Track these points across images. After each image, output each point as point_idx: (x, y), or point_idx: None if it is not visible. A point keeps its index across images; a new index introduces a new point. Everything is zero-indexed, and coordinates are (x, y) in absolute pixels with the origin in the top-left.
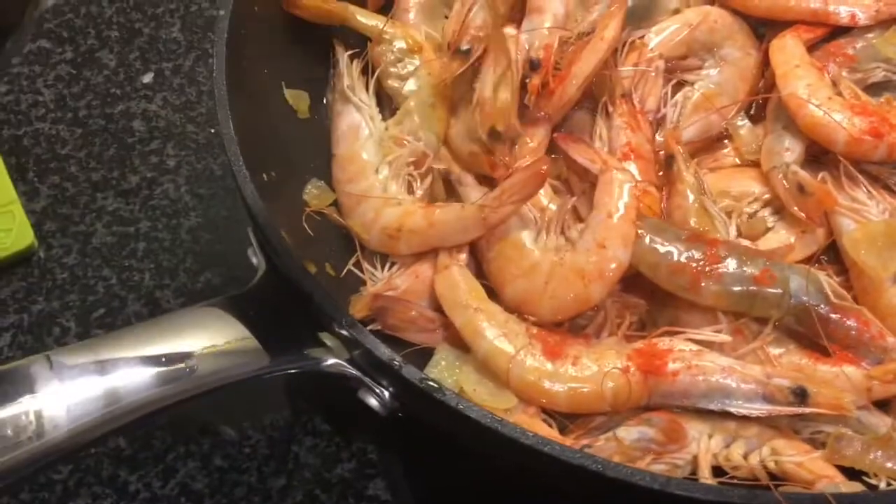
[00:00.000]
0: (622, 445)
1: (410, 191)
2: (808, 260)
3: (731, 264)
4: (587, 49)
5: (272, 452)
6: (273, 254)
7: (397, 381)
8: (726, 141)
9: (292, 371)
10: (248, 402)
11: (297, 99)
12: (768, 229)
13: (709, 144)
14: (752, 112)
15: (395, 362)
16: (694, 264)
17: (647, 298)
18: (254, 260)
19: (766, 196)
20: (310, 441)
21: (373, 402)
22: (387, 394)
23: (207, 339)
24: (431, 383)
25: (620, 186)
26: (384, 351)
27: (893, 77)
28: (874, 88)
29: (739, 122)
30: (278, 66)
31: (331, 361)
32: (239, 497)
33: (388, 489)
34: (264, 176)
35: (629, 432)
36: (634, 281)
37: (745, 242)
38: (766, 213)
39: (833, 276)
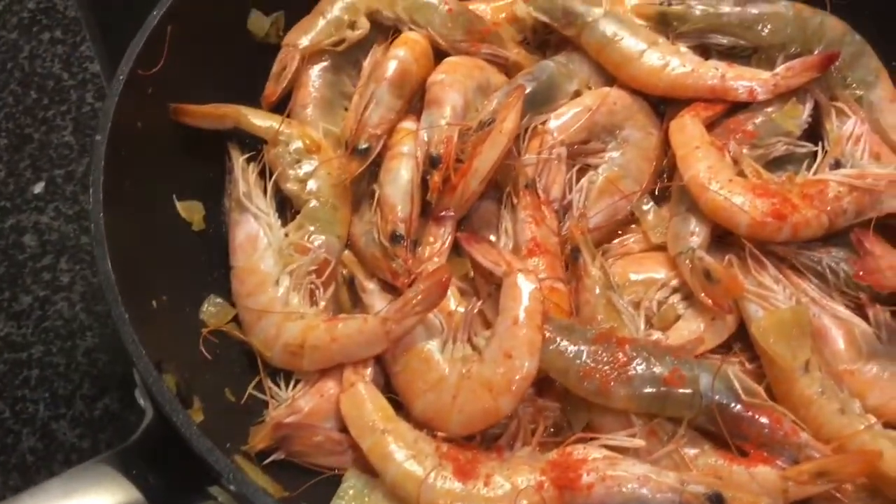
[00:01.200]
0: None
1: (314, 301)
2: (721, 347)
3: (639, 366)
4: (487, 142)
5: None
6: (157, 404)
7: None
8: (633, 225)
9: None
10: None
11: (191, 211)
12: (679, 317)
13: (617, 228)
14: (657, 192)
15: None
16: (603, 367)
17: (561, 400)
18: (141, 402)
19: (675, 282)
20: None
21: None
22: None
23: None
24: None
25: (525, 291)
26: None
27: (795, 150)
28: (776, 162)
29: (645, 206)
30: (168, 180)
31: None
32: None
33: None
34: (153, 303)
35: None
36: (548, 382)
37: (656, 334)
38: (676, 299)
39: (746, 364)
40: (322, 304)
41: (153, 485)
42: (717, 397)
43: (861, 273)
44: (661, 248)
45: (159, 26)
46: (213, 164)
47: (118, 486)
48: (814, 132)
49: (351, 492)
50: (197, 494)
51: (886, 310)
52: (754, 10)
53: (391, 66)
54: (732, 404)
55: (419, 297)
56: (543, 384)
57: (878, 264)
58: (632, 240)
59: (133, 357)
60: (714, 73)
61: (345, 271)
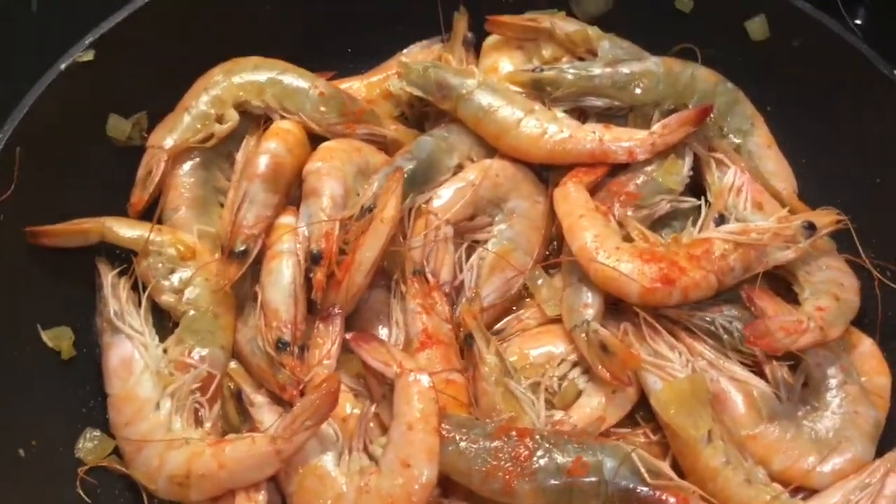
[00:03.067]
0: None
1: (199, 422)
2: (624, 418)
3: (542, 459)
4: (369, 232)
5: None
6: None
7: None
8: (528, 300)
9: None
10: None
11: (59, 338)
12: (580, 393)
13: (511, 304)
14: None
15: None
16: (505, 464)
17: (468, 499)
18: None
19: (574, 356)
20: None
21: None
22: None
23: None
24: None
25: (419, 392)
26: None
27: (679, 206)
28: (662, 219)
29: (538, 279)
30: (29, 308)
31: None
32: None
33: None
34: (21, 452)
35: None
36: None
37: (559, 414)
38: (576, 373)
39: (651, 435)
40: (208, 424)
41: None
42: (622, 482)
43: (751, 338)
44: (557, 320)
45: (6, 150)
46: (81, 284)
47: None
48: (696, 184)
49: None
50: None
51: (783, 365)
52: (625, 70)
53: (262, 161)
54: (638, 488)
55: (309, 411)
56: (449, 482)
57: (768, 327)
58: (527, 315)
59: None
60: (592, 136)
61: (231, 384)
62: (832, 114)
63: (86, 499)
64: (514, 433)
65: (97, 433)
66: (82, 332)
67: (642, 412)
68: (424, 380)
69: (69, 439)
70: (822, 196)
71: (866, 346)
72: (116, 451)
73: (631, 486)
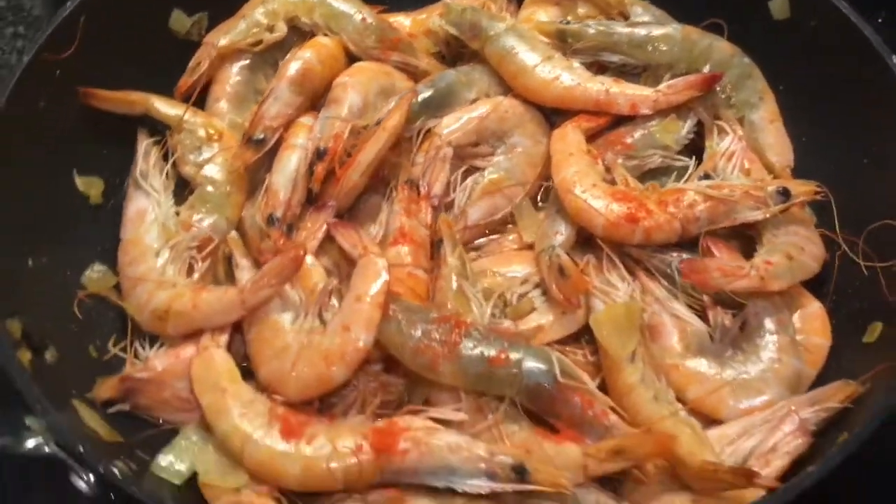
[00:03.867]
0: None
1: (190, 274)
2: (570, 339)
3: (470, 346)
4: (371, 139)
5: None
6: None
7: (85, 465)
8: (510, 226)
9: None
10: None
11: (89, 185)
12: (533, 310)
13: (496, 229)
14: (539, 198)
15: (80, 448)
16: (435, 345)
17: (406, 378)
18: None
19: (537, 279)
20: None
21: (81, 485)
22: (92, 478)
23: None
24: (114, 469)
25: (373, 272)
26: (69, 436)
27: (672, 163)
28: (653, 174)
29: (524, 210)
30: (70, 159)
31: (32, 443)
32: None
33: None
34: (29, 261)
35: None
36: (396, 361)
37: (507, 323)
38: (535, 293)
39: (589, 356)
40: (196, 275)
41: None
42: (536, 378)
43: (687, 272)
44: (531, 247)
45: (71, 16)
46: (122, 148)
47: None
48: (698, 149)
49: (183, 443)
50: (16, 425)
51: (729, 313)
52: (643, 31)
53: (293, 66)
54: (548, 384)
55: (274, 271)
56: (391, 362)
57: (706, 265)
58: (510, 238)
59: None
60: (599, 87)
61: (227, 250)
62: (837, 95)
63: (78, 315)
64: (452, 322)
65: (103, 268)
66: (113, 189)
67: (587, 336)
68: (381, 262)
69: (78, 267)
70: (817, 175)
71: (814, 308)
72: (116, 289)
73: (542, 381)
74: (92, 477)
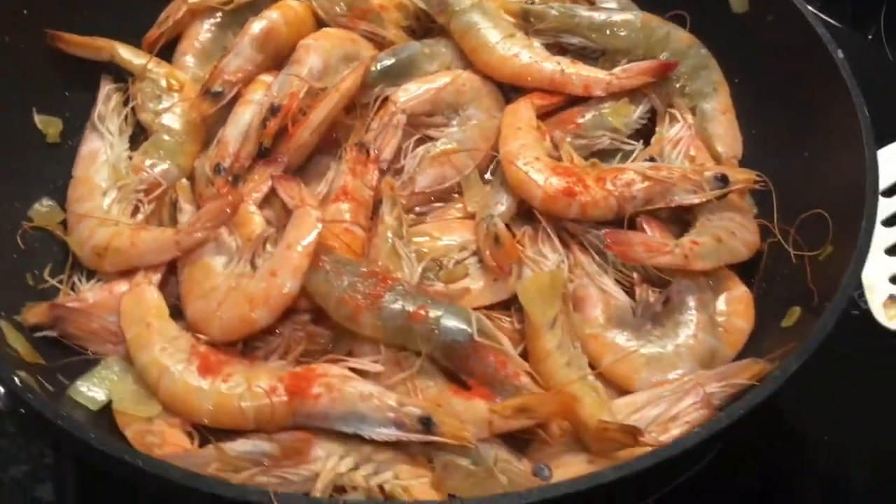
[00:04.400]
0: (224, 455)
1: (135, 215)
2: (499, 306)
3: (392, 300)
4: (324, 100)
5: None
6: None
7: None
8: (458, 196)
9: None
10: None
11: (47, 124)
12: (466, 275)
13: (442, 197)
14: (491, 173)
15: None
16: (358, 297)
17: (332, 331)
18: None
19: (474, 246)
20: None
21: None
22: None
23: None
24: (18, 382)
25: (306, 222)
26: None
27: (620, 146)
28: (601, 155)
29: (471, 181)
30: (31, 97)
31: None
32: None
33: (56, 492)
34: None
35: (242, 444)
36: (325, 313)
37: (438, 285)
38: (472, 261)
39: (516, 324)
40: (140, 216)
41: None
42: (452, 335)
43: (610, 243)
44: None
45: None
46: (84, 92)
47: None
48: (650, 135)
49: (104, 372)
50: None
51: (655, 291)
52: (604, 16)
53: (258, 25)
54: (463, 341)
55: (210, 214)
56: (321, 314)
57: (630, 238)
58: (457, 207)
59: None
60: (555, 66)
61: (174, 195)
62: (788, 90)
63: (21, 246)
64: (379, 276)
65: (52, 203)
66: (72, 131)
67: (517, 305)
68: (315, 213)
69: (28, 201)
70: (763, 166)
71: (740, 292)
72: (63, 226)
73: (458, 339)
74: (2, 389)
